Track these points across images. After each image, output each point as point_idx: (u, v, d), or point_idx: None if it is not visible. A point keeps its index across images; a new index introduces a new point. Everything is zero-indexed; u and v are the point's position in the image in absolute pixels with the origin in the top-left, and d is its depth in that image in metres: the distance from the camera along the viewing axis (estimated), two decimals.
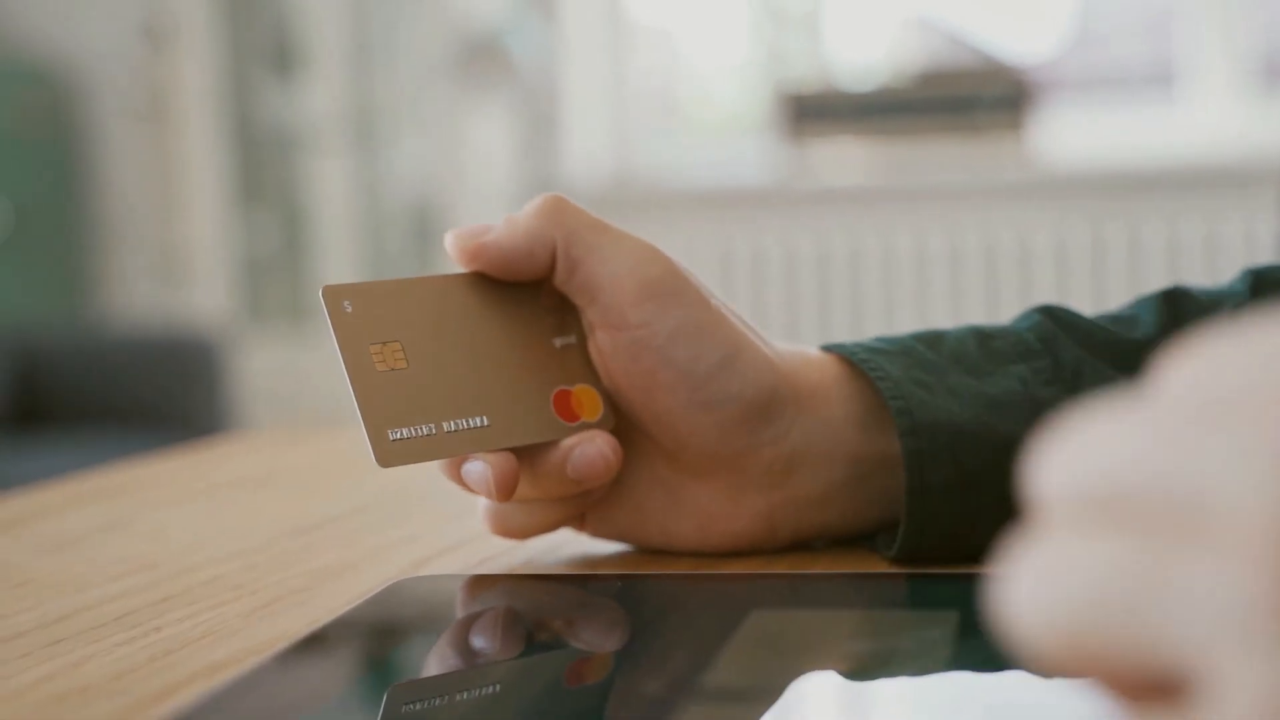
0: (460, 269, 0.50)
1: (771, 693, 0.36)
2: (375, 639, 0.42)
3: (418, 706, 0.37)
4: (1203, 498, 0.19)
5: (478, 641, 0.43)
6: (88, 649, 0.43)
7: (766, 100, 3.39)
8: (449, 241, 0.49)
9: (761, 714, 0.34)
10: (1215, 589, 0.18)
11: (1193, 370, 0.20)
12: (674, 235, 3.30)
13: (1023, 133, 3.18)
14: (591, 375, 0.50)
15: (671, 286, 0.48)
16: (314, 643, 0.40)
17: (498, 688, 0.38)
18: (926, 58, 3.45)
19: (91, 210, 3.60)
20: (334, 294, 0.47)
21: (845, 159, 3.31)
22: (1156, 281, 2.34)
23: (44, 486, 0.70)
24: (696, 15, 3.58)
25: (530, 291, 0.50)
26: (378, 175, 3.50)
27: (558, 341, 0.50)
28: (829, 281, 3.21)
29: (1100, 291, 3.02)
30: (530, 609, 0.45)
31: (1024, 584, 0.20)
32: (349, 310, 0.47)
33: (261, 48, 3.55)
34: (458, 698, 0.38)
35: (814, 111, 3.29)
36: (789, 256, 3.24)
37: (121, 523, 0.63)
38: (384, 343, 0.47)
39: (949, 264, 3.14)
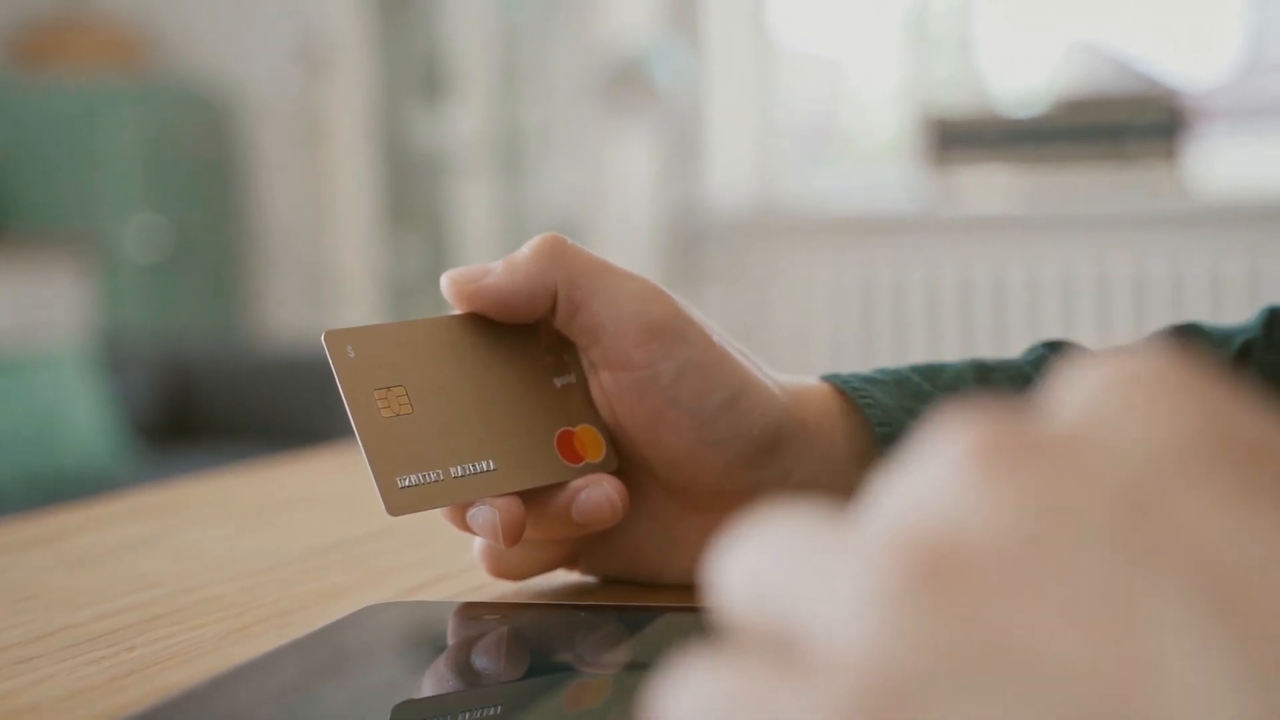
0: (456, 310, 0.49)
1: None
2: (314, 664, 0.41)
3: None
4: (811, 630, 0.19)
5: (410, 670, 0.42)
6: (54, 667, 0.43)
7: (915, 126, 3.34)
8: (445, 283, 0.48)
9: None
10: None
11: (884, 489, 0.21)
12: (816, 262, 3.28)
13: (1177, 161, 3.09)
14: (593, 415, 0.49)
15: (676, 326, 0.47)
16: (253, 668, 0.40)
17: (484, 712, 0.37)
18: (1084, 83, 3.38)
19: (246, 231, 3.70)
20: (336, 339, 0.46)
21: (992, 186, 3.25)
22: None
23: (93, 503, 0.71)
24: (844, 41, 3.56)
25: (528, 331, 0.49)
26: (523, 199, 3.53)
27: (558, 382, 0.49)
28: (972, 310, 3.15)
29: None
30: (485, 634, 0.44)
31: (677, 699, 0.20)
32: (352, 355, 0.46)
33: (412, 74, 3.61)
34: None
35: (961, 137, 3.24)
36: (933, 285, 3.19)
37: (151, 540, 0.63)
38: (388, 388, 0.46)
39: (1096, 294, 3.06)
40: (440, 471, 0.46)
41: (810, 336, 3.25)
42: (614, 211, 3.38)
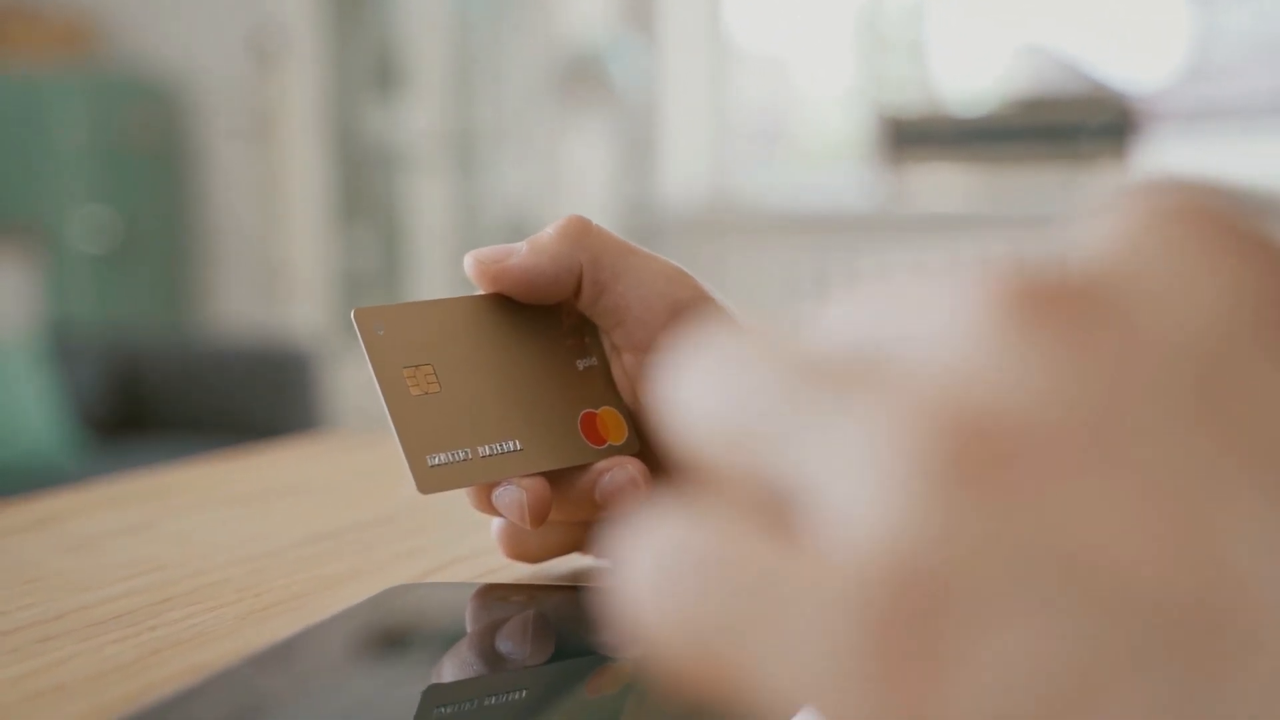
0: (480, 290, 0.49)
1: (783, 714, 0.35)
2: (352, 642, 0.41)
3: (446, 710, 0.37)
4: (813, 493, 0.16)
5: (449, 649, 0.42)
6: (77, 647, 0.43)
7: (868, 126, 3.36)
8: (468, 263, 0.48)
9: None
10: (802, 633, 0.16)
11: (859, 311, 0.17)
12: (771, 260, 3.29)
13: (1127, 161, 3.12)
14: (615, 397, 0.49)
15: (701, 308, 0.47)
16: (287, 647, 0.39)
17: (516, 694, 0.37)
18: (1035, 84, 3.40)
19: (197, 224, 3.67)
20: (366, 317, 0.46)
21: (945, 185, 3.28)
22: None
23: (80, 488, 0.70)
24: (799, 40, 3.57)
25: (551, 313, 0.49)
26: (476, 194, 3.52)
27: (580, 364, 0.49)
28: None
29: None
30: (510, 617, 0.44)
31: (643, 571, 0.17)
32: (381, 334, 0.46)
33: (365, 68, 3.59)
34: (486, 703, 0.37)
35: (915, 137, 3.26)
36: None
37: (145, 525, 0.63)
38: (416, 366, 0.46)
39: None
40: (468, 450, 0.46)
41: None
42: (568, 207, 3.38)
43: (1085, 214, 0.18)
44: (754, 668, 0.16)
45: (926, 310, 0.17)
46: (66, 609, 0.47)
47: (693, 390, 0.18)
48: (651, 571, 0.17)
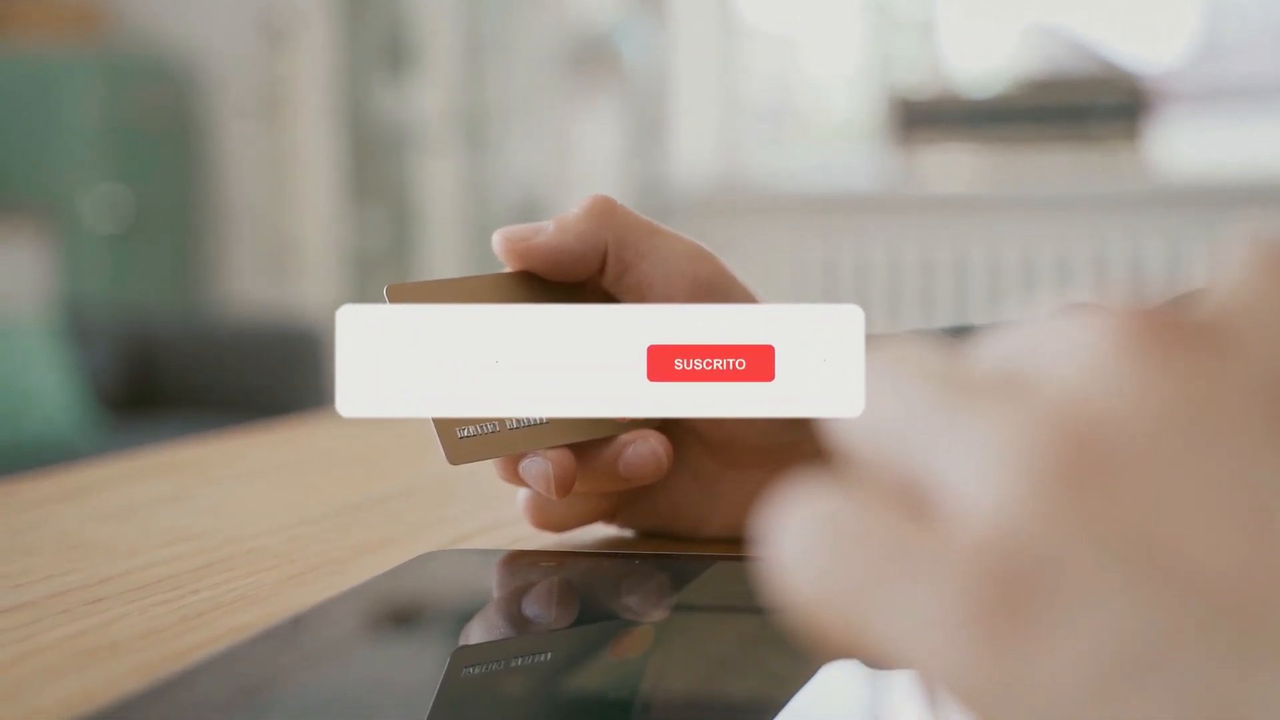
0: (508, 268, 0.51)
1: (800, 678, 0.37)
2: (386, 605, 0.43)
3: (475, 670, 0.38)
4: (944, 485, 0.19)
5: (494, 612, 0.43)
6: (124, 608, 0.45)
7: (877, 106, 3.37)
8: (497, 241, 0.50)
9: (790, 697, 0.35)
10: (921, 597, 0.19)
11: (1003, 343, 0.21)
12: (780, 241, 3.30)
13: (1139, 143, 3.13)
14: None
15: (722, 286, 0.49)
16: (325, 610, 0.41)
17: (543, 657, 0.39)
18: (1045, 65, 3.41)
19: (208, 203, 3.68)
20: (398, 293, 0.48)
21: (955, 166, 3.28)
22: None
23: (115, 459, 0.72)
24: (809, 20, 3.58)
25: (575, 290, 0.51)
26: (486, 174, 3.53)
27: None
28: (934, 289, 3.19)
29: None
30: (537, 583, 0.46)
31: (792, 537, 0.20)
32: None
33: (375, 46, 3.60)
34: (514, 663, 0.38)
35: (925, 118, 3.27)
36: (895, 264, 3.22)
37: (181, 495, 0.65)
38: None
39: (1057, 275, 3.10)
40: (496, 423, 0.47)
41: None
42: (578, 187, 3.39)
43: (1205, 267, 0.21)
44: (877, 621, 0.19)
45: (1059, 339, 0.20)
46: (111, 573, 0.49)
47: (872, 401, 0.21)
48: (800, 534, 0.20)
